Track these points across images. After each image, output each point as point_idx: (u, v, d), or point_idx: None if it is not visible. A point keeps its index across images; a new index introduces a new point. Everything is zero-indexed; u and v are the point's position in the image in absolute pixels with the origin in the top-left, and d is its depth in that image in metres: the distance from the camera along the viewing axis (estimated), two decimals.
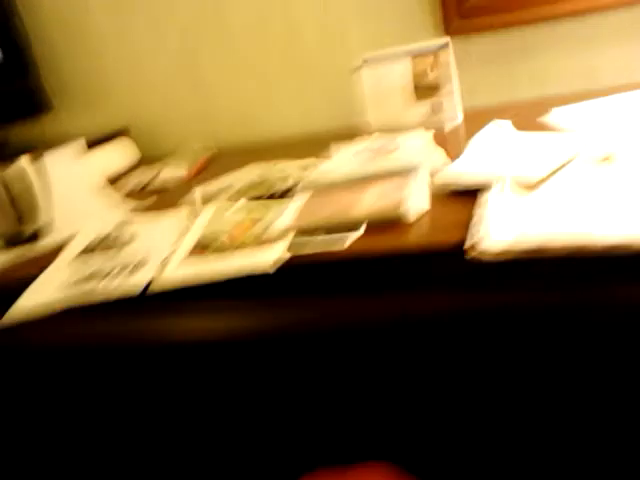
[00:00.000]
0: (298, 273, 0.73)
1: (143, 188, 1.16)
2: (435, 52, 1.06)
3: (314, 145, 1.16)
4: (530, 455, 0.71)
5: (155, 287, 0.74)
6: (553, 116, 0.99)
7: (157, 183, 1.16)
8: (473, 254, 0.63)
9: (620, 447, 0.67)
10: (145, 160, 1.34)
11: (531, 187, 0.75)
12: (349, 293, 0.71)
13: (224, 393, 0.79)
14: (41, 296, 0.77)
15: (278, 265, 0.71)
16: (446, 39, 1.06)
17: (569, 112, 0.99)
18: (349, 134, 1.13)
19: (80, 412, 0.83)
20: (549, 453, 0.70)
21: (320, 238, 0.73)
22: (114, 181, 1.22)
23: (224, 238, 0.78)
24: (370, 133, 1.11)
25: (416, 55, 1.07)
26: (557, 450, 0.69)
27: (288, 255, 0.71)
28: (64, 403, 0.83)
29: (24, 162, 0.91)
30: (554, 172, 0.77)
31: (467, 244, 0.64)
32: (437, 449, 0.75)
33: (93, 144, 1.27)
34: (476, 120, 1.04)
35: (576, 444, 0.68)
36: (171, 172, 1.18)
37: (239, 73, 1.37)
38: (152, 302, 0.76)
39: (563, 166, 0.78)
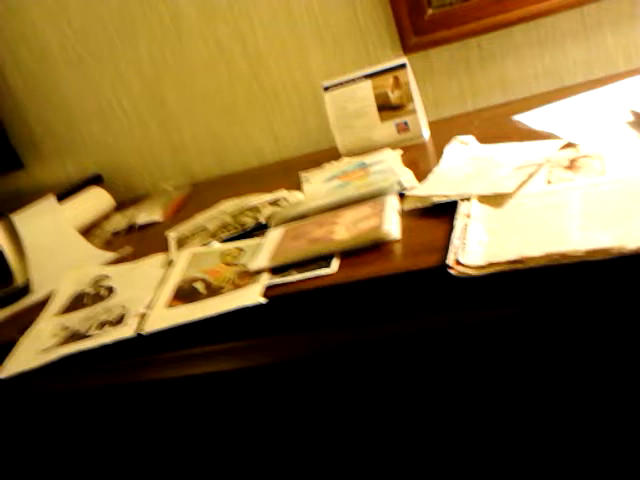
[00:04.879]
0: (282, 306, 0.73)
1: (119, 236, 1.16)
2: (394, 73, 1.07)
3: (286, 174, 1.16)
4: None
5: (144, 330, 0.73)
6: (519, 121, 1.00)
7: (133, 230, 1.16)
8: (457, 270, 0.63)
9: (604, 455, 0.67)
10: (121, 206, 1.34)
11: (502, 201, 0.75)
12: (336, 322, 0.71)
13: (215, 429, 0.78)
14: (22, 365, 0.76)
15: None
16: (403, 60, 1.07)
17: (532, 118, 0.99)
18: (319, 159, 1.13)
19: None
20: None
21: (293, 278, 0.72)
22: (89, 231, 1.22)
23: (200, 286, 0.78)
24: (339, 157, 1.11)
25: (376, 77, 1.08)
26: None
27: (263, 300, 0.70)
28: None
29: None
30: (523, 183, 0.77)
31: (449, 260, 0.64)
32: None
33: (66, 195, 1.27)
34: (443, 134, 1.04)
35: (570, 456, 0.68)
36: (146, 217, 1.17)
37: (206, 108, 1.37)
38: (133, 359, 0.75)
39: (531, 176, 0.78)
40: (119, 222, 1.21)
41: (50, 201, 1.17)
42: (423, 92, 1.15)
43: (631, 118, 0.85)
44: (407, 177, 0.90)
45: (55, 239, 1.09)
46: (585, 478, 0.68)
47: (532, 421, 0.68)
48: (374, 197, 0.85)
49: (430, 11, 1.14)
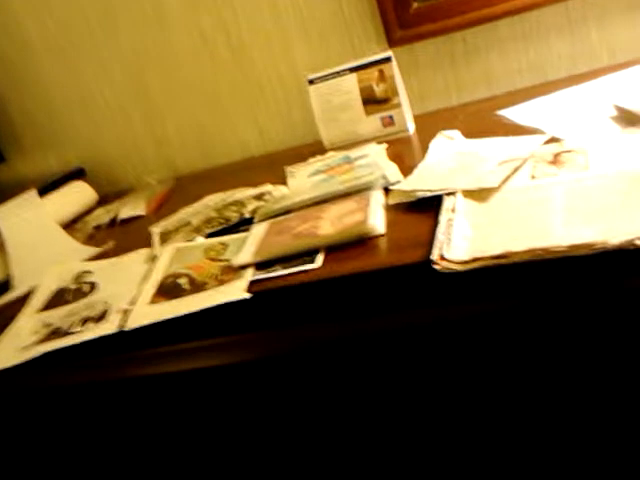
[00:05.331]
0: (266, 302, 0.72)
1: (101, 230, 1.14)
2: (379, 66, 1.06)
3: (271, 167, 1.15)
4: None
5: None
6: (503, 116, 1.00)
7: (115, 224, 1.15)
8: (441, 265, 0.63)
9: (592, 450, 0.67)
10: (103, 200, 1.32)
11: (487, 195, 0.75)
12: (321, 317, 0.71)
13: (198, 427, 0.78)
14: (2, 362, 0.75)
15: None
16: (388, 53, 1.06)
17: (517, 112, 0.99)
18: (304, 153, 1.13)
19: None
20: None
21: (277, 273, 0.72)
22: (71, 225, 1.20)
23: (183, 281, 0.77)
24: (324, 151, 1.11)
25: (361, 71, 1.07)
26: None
27: (247, 295, 0.70)
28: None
29: None
30: (508, 178, 0.77)
31: (434, 256, 0.64)
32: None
33: (48, 189, 1.25)
34: (428, 127, 1.04)
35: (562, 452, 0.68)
36: (129, 211, 1.16)
37: (190, 100, 1.36)
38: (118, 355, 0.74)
39: (516, 171, 0.78)
40: (102, 216, 1.20)
41: (31, 195, 1.15)
42: (408, 86, 1.15)
43: (614, 113, 0.86)
44: (392, 171, 0.89)
45: (37, 234, 1.08)
46: (569, 474, 0.69)
47: (517, 415, 0.68)
48: (359, 191, 0.85)
49: (415, 4, 1.14)
